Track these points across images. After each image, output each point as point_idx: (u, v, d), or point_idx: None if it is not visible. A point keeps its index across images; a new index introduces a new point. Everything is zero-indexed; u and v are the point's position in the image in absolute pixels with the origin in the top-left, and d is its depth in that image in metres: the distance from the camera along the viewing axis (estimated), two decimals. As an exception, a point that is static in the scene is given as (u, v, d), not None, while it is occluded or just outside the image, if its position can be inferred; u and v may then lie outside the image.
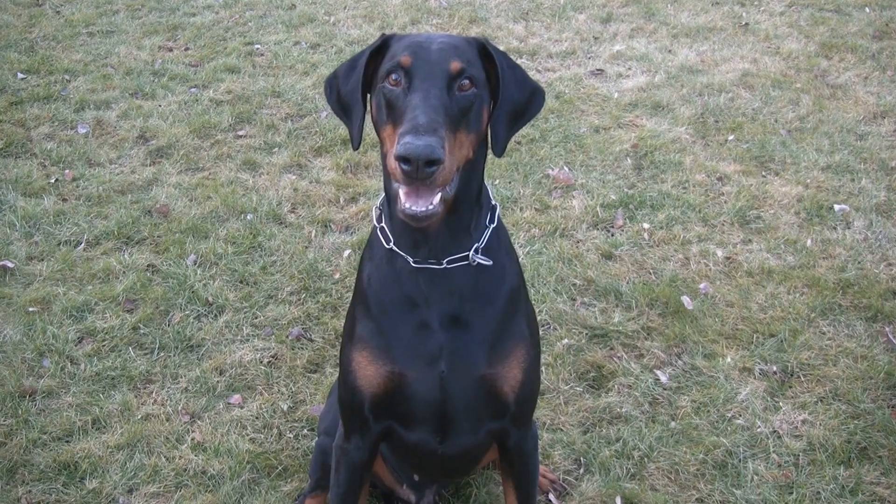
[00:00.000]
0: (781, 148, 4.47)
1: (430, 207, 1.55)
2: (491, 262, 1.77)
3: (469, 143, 1.63)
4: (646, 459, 2.65)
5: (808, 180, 4.17)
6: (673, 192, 4.08)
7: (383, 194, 1.83)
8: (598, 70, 5.50)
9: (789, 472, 2.60)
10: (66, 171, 4.25)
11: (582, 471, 2.63)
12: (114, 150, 4.50)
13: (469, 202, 1.74)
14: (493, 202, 1.84)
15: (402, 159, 1.47)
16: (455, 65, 1.61)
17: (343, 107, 1.78)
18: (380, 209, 1.85)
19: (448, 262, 1.74)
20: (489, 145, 1.76)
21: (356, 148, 1.76)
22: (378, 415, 1.86)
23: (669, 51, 5.77)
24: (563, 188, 4.13)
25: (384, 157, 1.66)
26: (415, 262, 1.74)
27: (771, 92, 5.11)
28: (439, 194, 1.56)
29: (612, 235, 3.77)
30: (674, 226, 3.82)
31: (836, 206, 3.94)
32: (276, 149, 4.52)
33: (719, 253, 3.63)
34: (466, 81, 1.61)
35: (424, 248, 1.74)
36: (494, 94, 1.71)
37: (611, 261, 3.60)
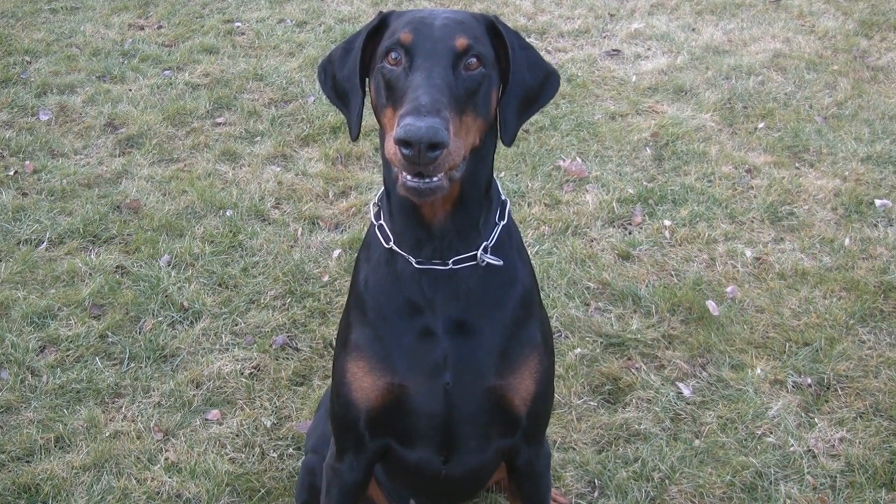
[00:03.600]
0: (817, 137, 4.47)
1: (435, 180, 1.52)
2: (501, 262, 1.77)
3: (476, 128, 1.63)
4: (667, 481, 2.65)
5: (847, 172, 4.17)
6: (697, 185, 4.08)
7: (382, 188, 1.82)
8: (614, 50, 5.49)
9: (825, 496, 2.60)
10: (27, 162, 4.25)
11: (596, 494, 2.63)
12: (79, 140, 4.50)
13: (477, 196, 1.74)
14: (503, 197, 1.84)
15: (402, 143, 1.45)
16: (461, 41, 1.60)
17: (339, 94, 1.78)
18: (378, 205, 1.84)
19: (454, 262, 1.73)
20: (498, 134, 1.76)
21: (355, 138, 1.76)
22: (375, 431, 1.86)
23: (693, 29, 5.77)
24: (576, 181, 4.13)
25: (383, 142, 1.65)
26: (417, 263, 1.74)
27: (805, 75, 5.11)
28: (443, 173, 1.54)
29: (630, 234, 3.77)
30: (698, 223, 3.82)
31: (878, 202, 3.94)
32: (259, 138, 4.52)
33: (748, 253, 3.63)
34: (473, 60, 1.60)
35: (428, 246, 1.73)
36: (504, 76, 1.70)
37: (628, 262, 3.60)
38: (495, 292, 1.79)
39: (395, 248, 1.76)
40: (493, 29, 1.70)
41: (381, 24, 1.71)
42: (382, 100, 1.63)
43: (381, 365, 1.79)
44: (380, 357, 1.79)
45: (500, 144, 1.79)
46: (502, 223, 1.81)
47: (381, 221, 1.81)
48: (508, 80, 1.69)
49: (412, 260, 1.74)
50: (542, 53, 5.43)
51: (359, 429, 1.85)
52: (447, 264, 1.73)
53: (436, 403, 1.79)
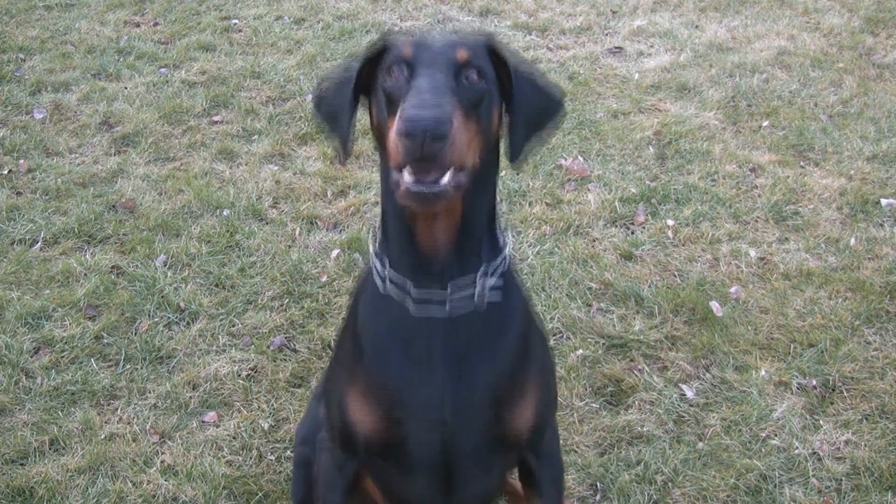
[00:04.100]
0: (822, 135, 4.46)
1: (443, 183, 1.47)
2: (500, 299, 1.74)
3: (478, 140, 1.58)
4: (670, 484, 2.65)
5: (852, 171, 4.17)
6: (700, 184, 4.08)
7: (378, 219, 1.78)
8: (616, 48, 5.49)
9: (830, 499, 2.59)
10: (21, 161, 4.25)
11: (599, 497, 2.63)
12: (74, 138, 4.50)
13: (479, 220, 1.71)
14: (506, 231, 1.81)
15: (404, 133, 1.41)
16: (462, 53, 1.58)
17: (331, 115, 1.75)
18: (375, 235, 1.79)
19: (452, 288, 1.69)
20: (500, 158, 1.73)
21: (345, 161, 1.75)
22: (372, 456, 1.86)
23: (696, 26, 5.77)
24: (578, 180, 4.13)
25: (385, 163, 1.59)
26: (416, 304, 1.70)
27: (810, 72, 5.11)
28: (450, 173, 1.49)
29: (633, 233, 3.77)
30: (701, 223, 3.82)
31: (884, 201, 3.94)
32: (256, 136, 4.52)
33: (752, 253, 3.63)
34: (475, 74, 1.59)
35: (427, 271, 1.69)
36: (507, 97, 1.68)
37: (631, 262, 3.60)
38: (495, 329, 1.77)
39: (391, 293, 1.72)
40: (493, 50, 1.68)
41: (382, 49, 1.68)
42: (384, 113, 1.60)
43: (377, 404, 1.77)
44: (377, 394, 1.77)
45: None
46: (505, 254, 1.78)
47: (376, 249, 1.77)
48: (512, 101, 1.67)
49: (411, 306, 1.70)
50: (543, 51, 5.46)
51: (356, 446, 1.85)
52: (447, 302, 1.69)
53: (434, 442, 1.78)
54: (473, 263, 1.71)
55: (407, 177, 1.48)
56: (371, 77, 1.69)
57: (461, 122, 1.49)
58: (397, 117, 1.46)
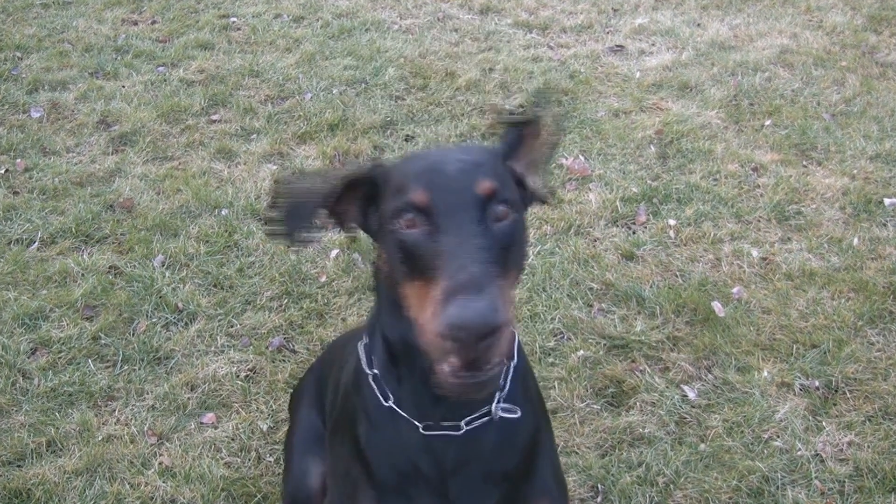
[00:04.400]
0: (824, 134, 4.47)
1: (490, 371, 1.28)
2: (518, 414, 1.58)
3: (513, 285, 1.42)
4: (672, 486, 2.65)
5: (855, 171, 4.17)
6: (702, 184, 4.08)
7: (368, 321, 1.65)
8: (617, 46, 5.49)
9: (833, 501, 2.60)
10: (18, 160, 4.25)
11: (600, 499, 2.63)
12: (71, 137, 4.50)
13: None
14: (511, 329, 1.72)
15: (458, 328, 1.19)
16: (484, 185, 1.38)
17: (286, 220, 1.53)
18: (367, 341, 1.63)
19: (467, 423, 1.54)
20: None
21: (292, 247, 1.56)
22: None
23: (698, 24, 5.77)
24: (579, 180, 4.13)
25: (405, 320, 1.41)
26: (425, 429, 1.55)
27: (813, 71, 5.11)
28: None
29: (634, 233, 3.77)
30: (703, 222, 3.82)
31: (887, 201, 3.94)
32: (255, 135, 4.52)
33: (755, 253, 3.63)
34: (502, 208, 1.39)
35: (437, 408, 1.53)
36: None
37: (632, 262, 3.60)
38: (509, 443, 1.64)
39: (395, 407, 1.57)
40: (504, 150, 1.54)
41: (368, 176, 1.50)
42: (402, 270, 1.39)
43: None
44: None
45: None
46: (513, 364, 1.62)
47: (375, 370, 1.61)
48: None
49: (419, 426, 1.55)
50: (544, 49, 5.46)
51: None
52: (460, 427, 1.54)
53: None
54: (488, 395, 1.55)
55: (447, 367, 1.30)
56: (349, 198, 1.51)
57: (506, 294, 1.31)
58: (439, 305, 1.24)
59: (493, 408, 1.55)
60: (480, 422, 1.55)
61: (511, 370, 1.60)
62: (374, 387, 1.60)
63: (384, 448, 1.63)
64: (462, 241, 1.30)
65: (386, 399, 1.58)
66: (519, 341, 1.66)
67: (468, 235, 1.31)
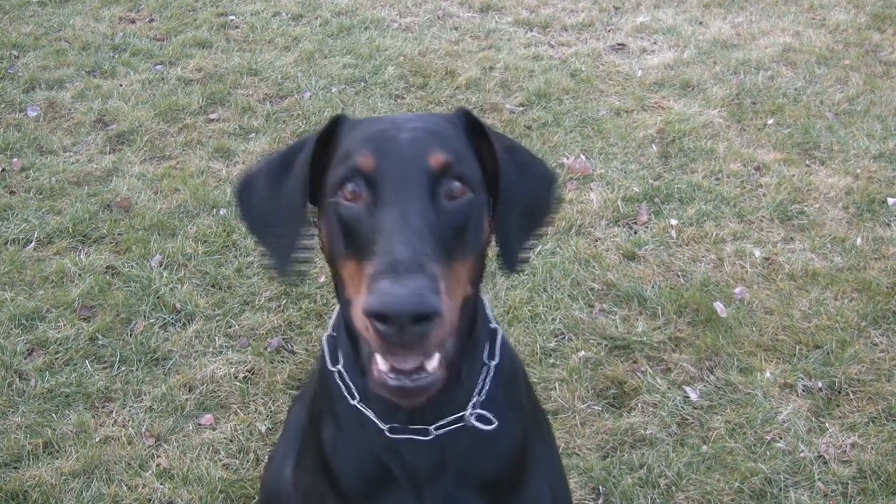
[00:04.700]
0: (828, 133, 4.46)
1: (426, 375, 1.21)
2: (494, 425, 1.46)
3: (468, 273, 1.31)
4: (673, 488, 2.64)
5: (859, 170, 4.16)
6: (704, 183, 4.07)
7: (334, 316, 1.53)
8: (619, 45, 5.49)
9: (836, 503, 2.59)
10: (14, 159, 4.25)
11: (601, 501, 2.62)
12: (68, 136, 4.49)
13: (460, 341, 1.38)
14: (494, 325, 1.53)
15: (376, 315, 1.12)
16: (437, 158, 1.28)
17: (267, 224, 1.42)
18: (334, 335, 1.52)
19: (438, 428, 1.43)
20: (485, 260, 1.43)
21: (282, 276, 1.40)
22: None
23: (700, 22, 5.77)
24: (580, 179, 4.13)
25: (341, 293, 1.34)
26: (391, 431, 1.44)
27: (816, 69, 5.10)
28: (437, 354, 1.23)
29: (635, 233, 3.77)
30: (705, 222, 3.81)
31: (891, 200, 3.93)
32: (253, 134, 4.52)
33: (757, 253, 3.63)
34: (457, 185, 1.29)
35: (402, 411, 1.43)
36: (493, 184, 1.37)
37: (633, 262, 3.59)
38: (491, 453, 1.52)
39: (360, 406, 1.46)
40: (471, 127, 1.40)
41: (331, 132, 1.40)
42: (340, 247, 1.30)
43: None
44: None
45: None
46: (493, 363, 1.49)
47: (339, 367, 1.49)
48: (500, 191, 1.36)
49: (384, 428, 1.44)
50: (545, 48, 5.46)
51: None
52: (429, 432, 1.43)
53: None
54: (457, 393, 1.45)
55: (381, 363, 1.23)
56: (318, 174, 1.38)
57: (449, 280, 1.21)
58: (365, 287, 1.16)
59: (468, 413, 1.44)
60: (452, 427, 1.44)
61: (491, 371, 1.48)
62: (340, 384, 1.48)
63: (350, 453, 1.52)
64: (403, 217, 1.20)
65: (353, 397, 1.46)
66: (505, 341, 1.55)
67: (410, 212, 1.21)
